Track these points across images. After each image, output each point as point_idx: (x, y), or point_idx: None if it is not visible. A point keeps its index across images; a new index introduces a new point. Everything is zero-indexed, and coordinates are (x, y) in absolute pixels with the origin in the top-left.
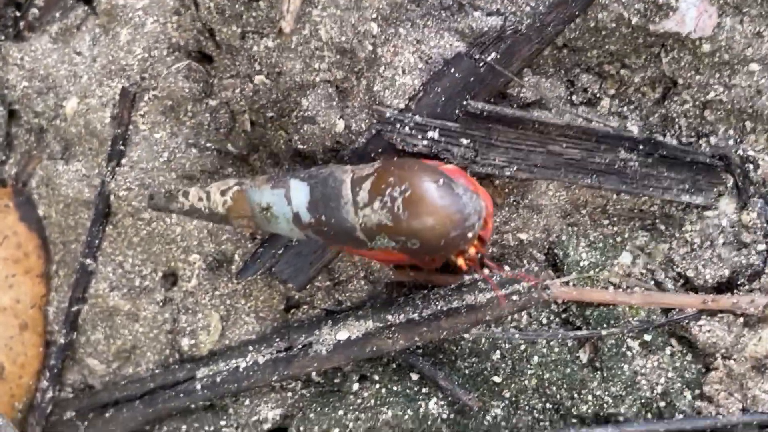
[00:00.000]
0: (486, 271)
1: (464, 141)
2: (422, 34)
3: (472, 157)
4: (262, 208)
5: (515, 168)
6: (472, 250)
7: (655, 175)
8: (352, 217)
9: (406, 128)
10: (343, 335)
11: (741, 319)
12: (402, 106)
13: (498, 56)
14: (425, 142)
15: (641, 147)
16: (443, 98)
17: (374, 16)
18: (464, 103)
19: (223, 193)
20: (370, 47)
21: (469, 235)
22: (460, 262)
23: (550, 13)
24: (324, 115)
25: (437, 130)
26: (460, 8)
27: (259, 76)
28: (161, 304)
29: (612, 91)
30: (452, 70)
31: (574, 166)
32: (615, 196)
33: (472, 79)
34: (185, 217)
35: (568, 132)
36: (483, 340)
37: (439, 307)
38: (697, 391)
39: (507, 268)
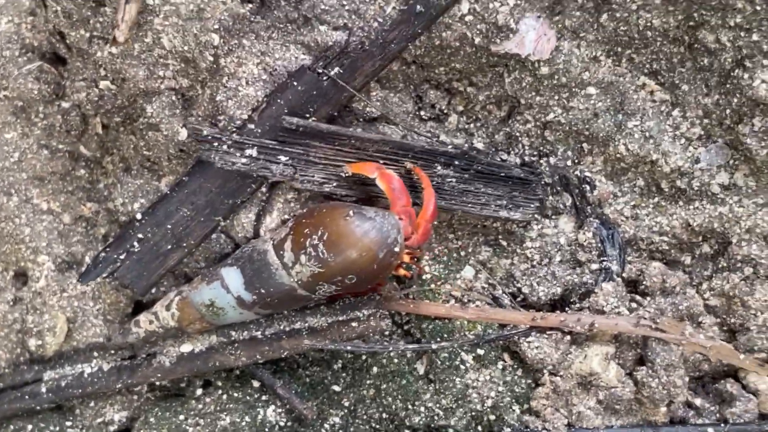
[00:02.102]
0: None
1: (283, 158)
2: (267, 46)
3: (291, 174)
4: (207, 306)
5: (334, 184)
6: (406, 258)
7: (473, 191)
8: (287, 279)
9: (225, 146)
10: (186, 348)
11: (568, 337)
12: (245, 116)
13: (341, 71)
14: (244, 160)
15: (457, 162)
16: (286, 110)
17: (216, 27)
18: (282, 118)
19: (167, 307)
20: (211, 58)
21: (396, 249)
22: (402, 272)
23: (393, 31)
24: (167, 122)
25: (255, 147)
26: (306, 21)
27: (104, 81)
28: (12, 303)
29: (460, 108)
30: (295, 83)
31: None
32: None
33: (314, 92)
34: (146, 342)
35: (384, 148)
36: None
37: (281, 327)
38: (525, 406)
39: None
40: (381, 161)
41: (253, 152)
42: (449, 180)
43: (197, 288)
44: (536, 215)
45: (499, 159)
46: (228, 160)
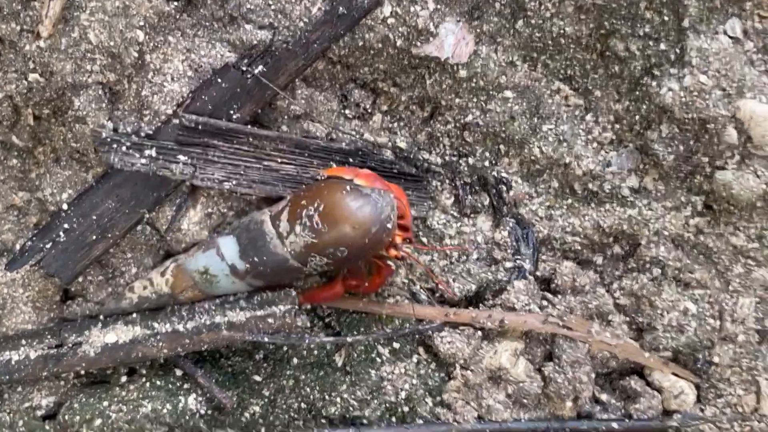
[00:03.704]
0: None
1: (182, 158)
2: (192, 44)
3: (191, 173)
4: (200, 273)
5: (234, 183)
6: (398, 239)
7: None
8: (281, 249)
9: (123, 147)
10: (111, 338)
11: (480, 333)
12: (170, 111)
13: (265, 69)
14: (143, 161)
15: (351, 159)
16: (210, 107)
17: (141, 23)
18: (181, 116)
19: (162, 274)
20: (136, 54)
21: (388, 226)
22: (393, 253)
23: (316, 31)
24: (94, 116)
25: (154, 148)
26: (232, 20)
27: (33, 74)
28: None
29: (385, 108)
30: (219, 80)
31: (291, 181)
32: None
33: (238, 90)
34: (137, 308)
35: (281, 146)
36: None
37: (202, 321)
38: (438, 398)
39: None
40: (279, 160)
41: (152, 152)
42: None
43: (193, 255)
44: (429, 212)
45: (392, 156)
46: (127, 161)
